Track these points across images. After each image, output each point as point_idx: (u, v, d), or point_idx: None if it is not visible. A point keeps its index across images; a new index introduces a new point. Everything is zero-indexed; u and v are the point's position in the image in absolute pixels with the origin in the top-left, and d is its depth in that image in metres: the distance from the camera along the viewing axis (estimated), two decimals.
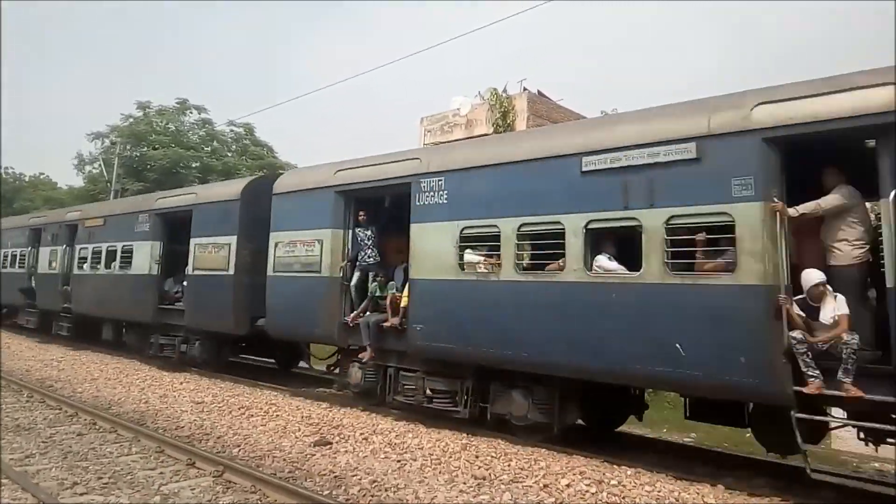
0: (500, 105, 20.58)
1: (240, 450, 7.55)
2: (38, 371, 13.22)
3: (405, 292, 9.17)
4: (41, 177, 66.14)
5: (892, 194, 5.39)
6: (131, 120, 37.70)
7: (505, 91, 21.14)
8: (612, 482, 6.37)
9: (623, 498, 6.01)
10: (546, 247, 7.50)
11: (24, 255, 20.69)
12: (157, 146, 35.88)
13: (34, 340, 18.72)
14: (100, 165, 35.94)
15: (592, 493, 6.09)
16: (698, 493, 6.13)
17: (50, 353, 15.88)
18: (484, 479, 6.48)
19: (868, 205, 6.41)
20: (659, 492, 6.15)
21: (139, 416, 9.30)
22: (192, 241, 13.21)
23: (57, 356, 15.37)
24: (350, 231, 10.26)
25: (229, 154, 39.82)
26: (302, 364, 14.67)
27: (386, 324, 9.29)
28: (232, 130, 40.80)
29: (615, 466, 6.88)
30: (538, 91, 21.88)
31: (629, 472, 6.66)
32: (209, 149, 38.99)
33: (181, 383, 11.97)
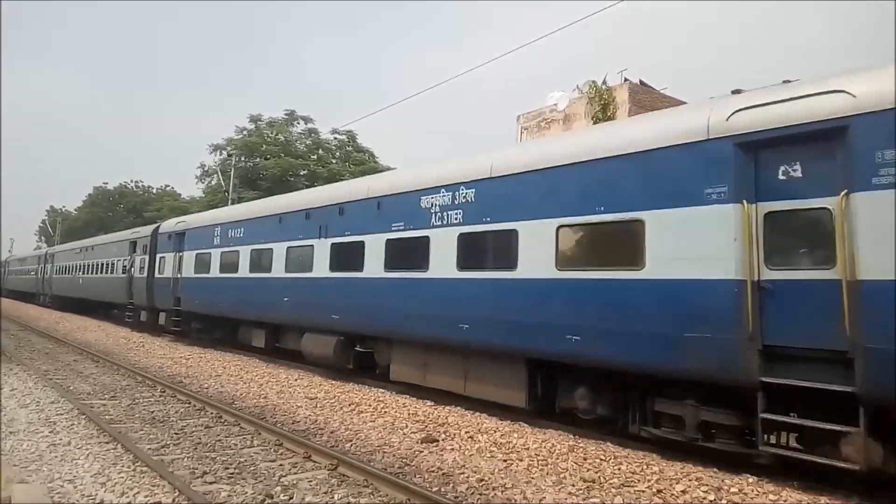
0: (600, 97, 20.06)
1: (351, 444, 7.84)
2: (168, 368, 14.39)
3: None
4: (167, 188, 72.19)
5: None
6: (245, 132, 40.22)
7: (605, 83, 20.58)
8: (733, 489, 6.02)
9: None
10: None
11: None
12: (268, 156, 38.09)
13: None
14: (217, 177, 38.61)
15: (710, 501, 5.79)
16: None
17: (179, 352, 17.22)
18: (593, 482, 6.34)
19: None
20: (784, 501, 5.76)
21: (259, 410, 9.88)
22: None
23: (185, 354, 16.66)
24: None
25: (333, 161, 41.48)
26: None
27: None
28: (335, 138, 42.50)
29: (735, 474, 6.50)
30: (640, 81, 21.10)
31: (751, 480, 6.26)
32: (315, 157, 40.83)
33: (296, 380, 12.60)
